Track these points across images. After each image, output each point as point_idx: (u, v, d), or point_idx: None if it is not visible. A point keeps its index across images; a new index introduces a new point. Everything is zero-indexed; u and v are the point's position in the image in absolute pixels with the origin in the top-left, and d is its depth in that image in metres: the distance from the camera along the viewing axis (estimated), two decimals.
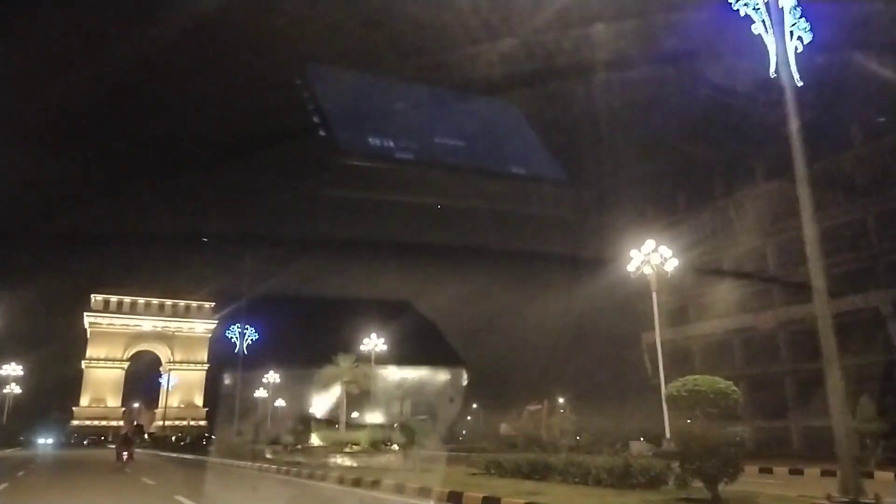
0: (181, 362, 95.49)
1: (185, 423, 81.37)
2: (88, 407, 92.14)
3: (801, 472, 18.30)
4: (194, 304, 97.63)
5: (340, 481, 15.60)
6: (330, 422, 26.83)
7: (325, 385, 27.22)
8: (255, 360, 56.84)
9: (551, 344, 62.67)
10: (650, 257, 28.95)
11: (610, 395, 49.36)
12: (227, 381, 54.50)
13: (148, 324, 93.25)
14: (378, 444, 21.73)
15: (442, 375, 28.85)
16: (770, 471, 18.97)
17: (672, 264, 28.72)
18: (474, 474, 14.76)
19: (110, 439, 72.33)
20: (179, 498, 12.58)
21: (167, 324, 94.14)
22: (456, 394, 28.57)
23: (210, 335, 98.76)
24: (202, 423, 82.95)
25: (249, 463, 24.25)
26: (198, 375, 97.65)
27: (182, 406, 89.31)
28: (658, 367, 29.59)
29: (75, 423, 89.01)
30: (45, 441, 67.94)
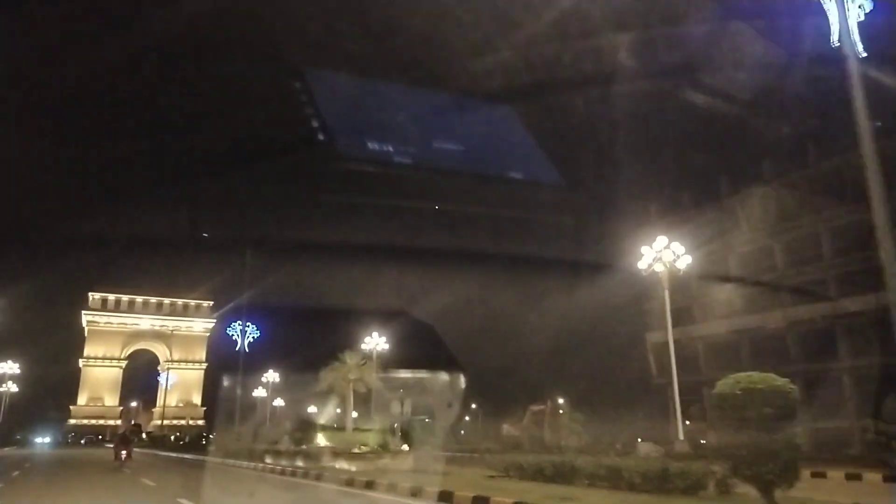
0: (179, 361, 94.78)
1: (183, 422, 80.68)
2: (86, 406, 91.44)
3: (858, 478, 17.01)
4: (192, 302, 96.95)
5: (349, 483, 14.90)
6: (325, 426, 26.03)
7: (331, 383, 26.42)
8: (254, 360, 56.29)
9: (550, 346, 62.31)
10: (662, 254, 28.27)
11: (611, 396, 48.66)
12: (226, 380, 53.77)
13: (146, 322, 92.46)
14: (387, 446, 21.00)
15: (440, 378, 28.28)
16: (824, 475, 17.66)
17: (685, 261, 28.03)
18: (492, 477, 14.08)
19: (108, 438, 71.63)
20: (182, 501, 11.90)
21: (165, 322, 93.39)
22: (454, 397, 27.96)
23: (208, 334, 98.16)
24: (200, 422, 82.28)
25: (253, 463, 23.52)
26: (196, 375, 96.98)
27: (180, 405, 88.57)
28: (671, 366, 28.85)
29: (72, 422, 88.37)
30: (42, 440, 67.29)
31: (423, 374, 35.04)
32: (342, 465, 18.24)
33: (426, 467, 16.50)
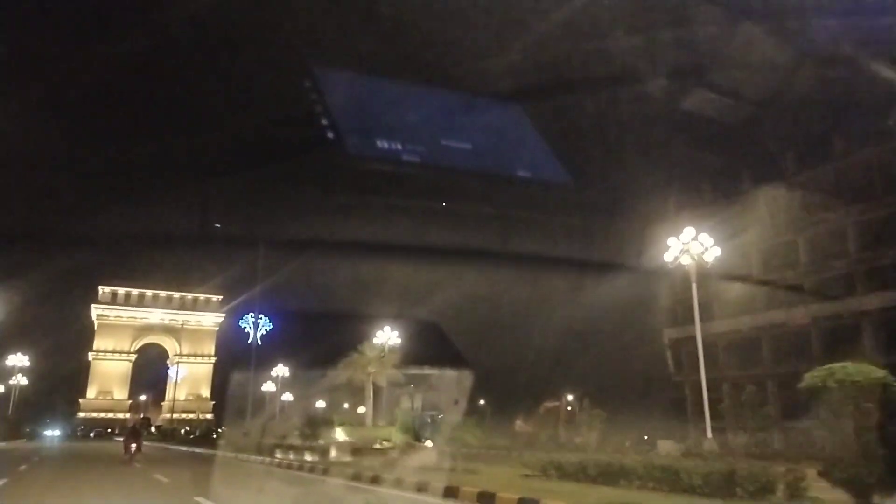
0: (189, 355, 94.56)
1: (193, 416, 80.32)
2: (95, 399, 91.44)
3: None
4: (202, 297, 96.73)
5: (374, 481, 14.06)
6: (343, 421, 25.15)
7: (350, 376, 25.59)
8: (263, 355, 55.87)
9: (560, 344, 61.72)
10: (689, 246, 27.31)
11: (624, 393, 47.73)
12: (236, 374, 53.31)
13: (155, 316, 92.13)
14: (411, 441, 20.14)
15: (447, 375, 27.53)
16: None
17: (713, 253, 27.07)
18: (528, 476, 13.20)
19: (117, 432, 71.35)
20: (199, 500, 11.09)
21: (175, 316, 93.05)
22: (461, 394, 27.17)
23: (217, 328, 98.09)
24: (209, 416, 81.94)
25: (265, 458, 22.75)
26: (205, 369, 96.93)
27: (190, 399, 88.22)
28: (697, 363, 27.88)
29: (82, 415, 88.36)
30: (52, 433, 67.06)
31: (430, 371, 34.24)
32: (367, 462, 17.35)
33: (453, 465, 15.65)
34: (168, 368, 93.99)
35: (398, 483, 12.96)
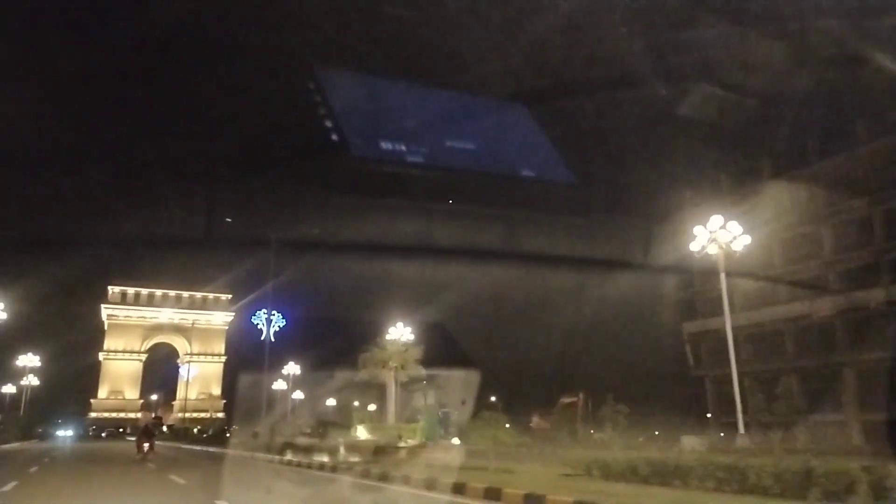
0: (199, 354, 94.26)
1: (205, 415, 80.00)
2: (106, 399, 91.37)
3: None
4: (210, 296, 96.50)
5: (406, 482, 13.27)
6: (363, 418, 24.35)
7: (370, 370, 24.78)
8: (274, 353, 55.28)
9: (572, 341, 60.99)
10: (717, 235, 26.40)
11: (640, 389, 46.87)
12: (246, 373, 52.78)
13: (165, 315, 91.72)
14: (435, 439, 19.34)
15: (456, 373, 26.84)
16: None
17: (743, 241, 26.16)
18: (568, 475, 12.37)
19: (128, 431, 71.09)
20: (220, 503, 10.33)
21: (184, 315, 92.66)
22: (469, 392, 26.45)
23: (227, 327, 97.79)
24: (220, 415, 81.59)
25: (280, 457, 22.00)
26: (215, 368, 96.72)
27: (201, 398, 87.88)
28: (720, 357, 26.97)
29: (93, 415, 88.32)
30: (64, 433, 66.83)
31: (438, 371, 33.51)
32: (395, 461, 16.53)
33: (485, 464, 14.82)
34: (178, 368, 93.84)
35: (431, 484, 12.17)
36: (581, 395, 49.92)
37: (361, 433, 22.23)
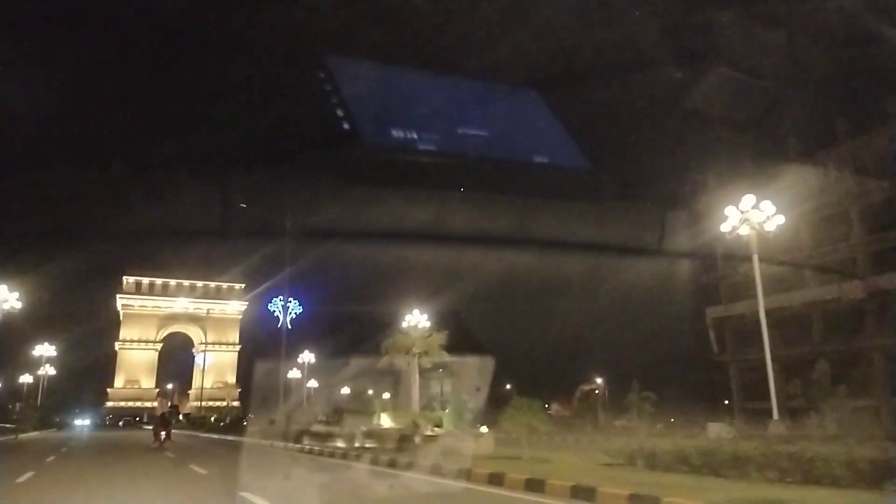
0: (213, 343, 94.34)
1: (222, 403, 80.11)
2: (123, 388, 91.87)
3: None
4: (224, 285, 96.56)
5: (436, 472, 12.56)
6: (386, 405, 23.68)
7: (392, 356, 24.11)
8: (289, 341, 54.98)
9: (589, 328, 60.35)
10: (749, 215, 25.40)
11: (659, 375, 46.02)
12: (263, 361, 52.53)
13: (180, 305, 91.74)
14: (464, 427, 18.67)
15: (470, 361, 26.22)
16: None
17: (777, 221, 25.15)
18: (609, 465, 11.62)
19: (145, 420, 71.31)
20: (246, 495, 9.66)
21: (199, 305, 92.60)
22: (484, 379, 25.81)
23: (241, 316, 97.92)
24: (235, 403, 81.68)
25: (300, 446, 21.41)
26: (230, 357, 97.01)
27: (219, 386, 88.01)
28: (756, 339, 26.02)
29: (110, 404, 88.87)
30: (82, 422, 67.04)
31: (452, 358, 32.89)
32: (422, 450, 15.84)
33: (517, 453, 14.10)
34: (193, 357, 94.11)
35: (464, 474, 11.46)
36: (601, 382, 49.27)
37: (385, 421, 21.57)
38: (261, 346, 64.71)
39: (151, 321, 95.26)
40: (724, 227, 25.97)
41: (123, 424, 74.90)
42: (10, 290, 38.49)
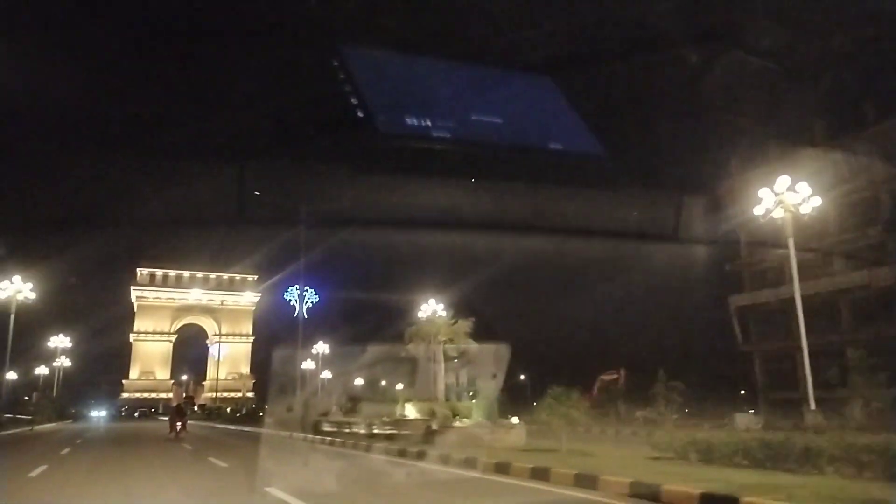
0: (227, 335, 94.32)
1: (238, 394, 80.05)
2: (138, 380, 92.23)
3: None
4: (238, 276, 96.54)
5: (471, 465, 11.80)
6: (410, 395, 22.92)
7: (416, 344, 23.40)
8: (304, 330, 54.54)
9: (605, 317, 59.45)
10: (784, 197, 24.40)
11: (681, 364, 44.97)
12: (276, 352, 52.12)
13: (193, 297, 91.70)
14: (494, 418, 17.91)
15: (486, 348, 25.54)
16: None
17: (814, 203, 24.15)
18: (658, 458, 10.81)
19: (161, 411, 71.31)
20: (271, 490, 8.96)
21: (212, 296, 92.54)
22: (499, 368, 25.09)
23: (254, 308, 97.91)
24: (250, 394, 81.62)
25: (320, 437, 20.77)
26: (244, 348, 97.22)
27: (233, 378, 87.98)
28: (799, 325, 25.02)
29: (125, 395, 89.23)
30: (98, 414, 67.14)
31: (478, 345, 32.18)
32: (453, 442, 15.06)
33: (554, 445, 13.32)
34: (207, 348, 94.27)
35: (504, 468, 10.70)
36: (622, 372, 48.30)
37: (409, 411, 20.84)
38: (274, 336, 64.47)
39: (165, 313, 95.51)
40: (758, 210, 24.98)
41: (139, 415, 75.06)
42: (24, 281, 38.27)
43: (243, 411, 50.88)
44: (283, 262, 61.93)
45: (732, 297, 46.19)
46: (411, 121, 16.63)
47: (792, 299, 42.59)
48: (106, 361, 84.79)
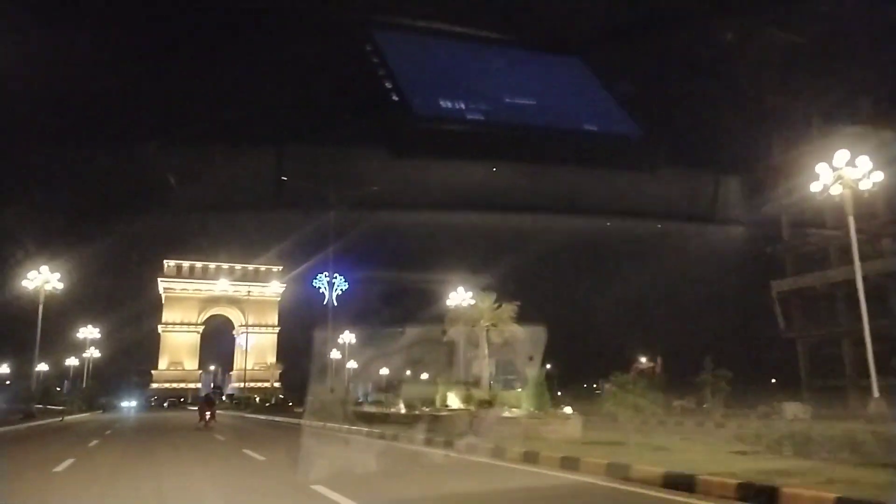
0: (254, 325, 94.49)
1: (265, 384, 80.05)
2: (167, 370, 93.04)
3: None
4: (263, 268, 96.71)
5: (531, 460, 10.73)
6: (451, 384, 21.87)
7: (457, 328, 22.43)
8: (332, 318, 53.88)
9: (642, 303, 57.96)
10: (843, 172, 22.85)
11: (724, 352, 43.31)
12: (303, 340, 51.64)
13: (220, 288, 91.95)
14: (546, 407, 16.82)
15: (520, 330, 24.59)
16: None
17: (876, 178, 22.59)
18: (744, 453, 9.64)
19: (189, 401, 71.57)
20: (318, 488, 7.99)
21: (238, 288, 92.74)
22: (536, 353, 24.04)
23: (279, 298, 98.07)
24: (277, 384, 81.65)
25: (366, 429, 19.83)
26: (270, 338, 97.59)
27: (261, 368, 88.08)
28: (860, 309, 23.59)
29: (154, 385, 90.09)
30: (128, 404, 67.53)
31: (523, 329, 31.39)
32: (504, 434, 13.99)
33: (620, 438, 12.20)
34: (234, 338, 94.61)
35: (570, 465, 9.60)
36: (659, 360, 46.87)
37: (452, 401, 19.81)
38: (302, 326, 64.10)
39: (193, 304, 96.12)
40: (815, 187, 23.43)
41: (168, 405, 75.50)
42: (52, 272, 38.03)
43: (272, 401, 50.40)
44: (310, 250, 61.48)
45: (774, 281, 44.40)
46: (445, 104, 16.90)
47: (839, 283, 40.88)
48: (135, 352, 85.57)
